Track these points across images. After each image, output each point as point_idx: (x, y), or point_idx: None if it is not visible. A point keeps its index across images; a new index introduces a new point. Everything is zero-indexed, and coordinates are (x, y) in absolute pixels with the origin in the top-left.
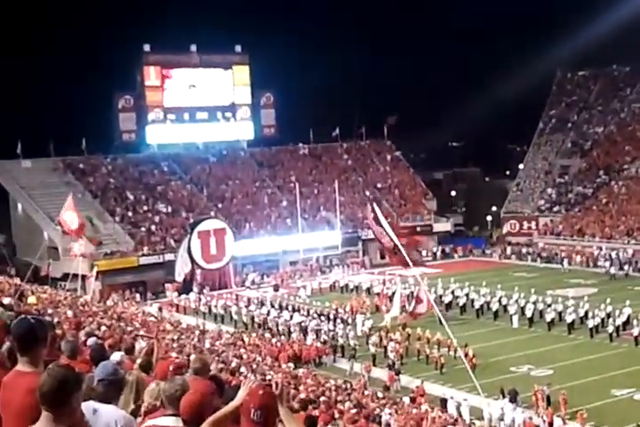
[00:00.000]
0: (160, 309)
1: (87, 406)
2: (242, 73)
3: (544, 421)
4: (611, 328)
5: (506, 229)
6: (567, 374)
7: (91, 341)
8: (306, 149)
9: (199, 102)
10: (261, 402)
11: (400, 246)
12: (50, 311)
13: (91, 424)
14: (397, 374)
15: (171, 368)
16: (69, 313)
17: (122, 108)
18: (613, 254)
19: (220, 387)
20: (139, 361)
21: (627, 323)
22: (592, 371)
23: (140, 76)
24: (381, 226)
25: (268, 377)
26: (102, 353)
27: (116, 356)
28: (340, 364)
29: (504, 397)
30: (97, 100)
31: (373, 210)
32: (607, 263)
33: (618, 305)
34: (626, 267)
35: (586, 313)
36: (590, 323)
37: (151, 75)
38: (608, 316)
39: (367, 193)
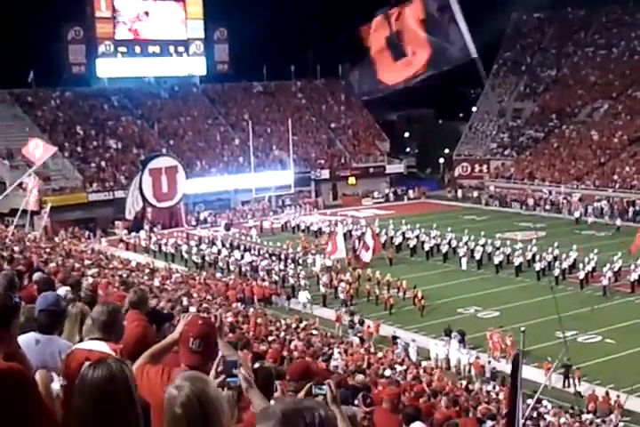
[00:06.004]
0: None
1: (28, 338)
2: (195, 6)
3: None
4: (557, 271)
5: (457, 171)
6: (513, 316)
7: (37, 275)
8: (257, 88)
9: (151, 35)
10: (200, 331)
11: None
12: None
13: (32, 356)
14: (360, 324)
15: None
16: (16, 249)
17: (71, 39)
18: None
19: (160, 321)
20: (83, 295)
21: (573, 266)
22: (537, 313)
23: (89, 7)
24: None
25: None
26: (50, 286)
27: (62, 290)
28: (290, 304)
29: (450, 337)
30: (45, 30)
31: None
32: (577, 213)
33: (565, 249)
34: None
35: (533, 256)
36: (537, 266)
37: (101, 5)
38: (555, 259)
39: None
